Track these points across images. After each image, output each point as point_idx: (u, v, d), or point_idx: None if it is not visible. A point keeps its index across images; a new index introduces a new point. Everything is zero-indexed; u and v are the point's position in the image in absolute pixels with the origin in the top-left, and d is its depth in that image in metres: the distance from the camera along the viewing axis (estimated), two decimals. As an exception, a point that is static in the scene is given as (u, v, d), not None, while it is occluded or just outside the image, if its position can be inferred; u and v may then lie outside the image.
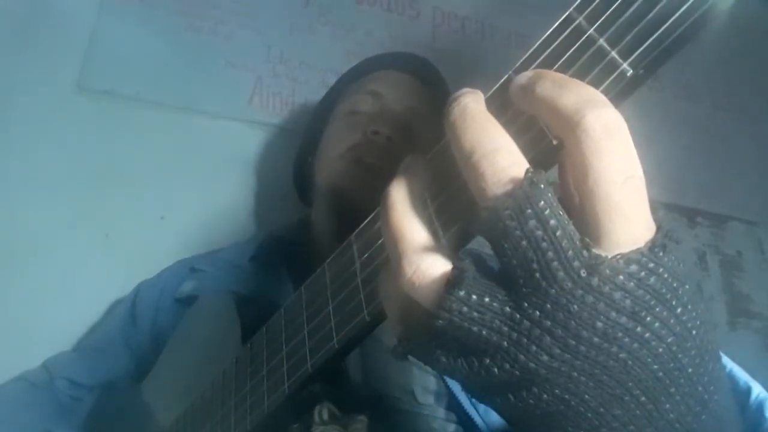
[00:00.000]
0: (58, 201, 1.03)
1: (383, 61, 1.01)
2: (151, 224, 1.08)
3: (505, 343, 0.25)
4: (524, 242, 0.24)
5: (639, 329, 0.24)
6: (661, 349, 0.25)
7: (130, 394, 0.73)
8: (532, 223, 0.24)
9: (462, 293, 0.26)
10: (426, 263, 0.27)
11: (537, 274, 0.24)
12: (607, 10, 0.27)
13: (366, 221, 0.37)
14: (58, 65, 1.08)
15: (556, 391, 0.25)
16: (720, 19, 0.27)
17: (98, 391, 0.82)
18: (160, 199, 1.10)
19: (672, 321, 0.25)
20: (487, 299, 0.25)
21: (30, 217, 1.01)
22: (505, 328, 0.25)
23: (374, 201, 0.37)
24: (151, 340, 0.85)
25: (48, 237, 1.01)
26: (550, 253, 0.24)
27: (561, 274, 0.24)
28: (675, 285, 0.25)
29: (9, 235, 1.00)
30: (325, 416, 0.55)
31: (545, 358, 0.25)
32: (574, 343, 0.24)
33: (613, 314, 0.24)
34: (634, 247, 0.24)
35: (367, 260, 0.37)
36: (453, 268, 0.27)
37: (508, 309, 0.25)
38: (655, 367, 0.25)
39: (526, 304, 0.25)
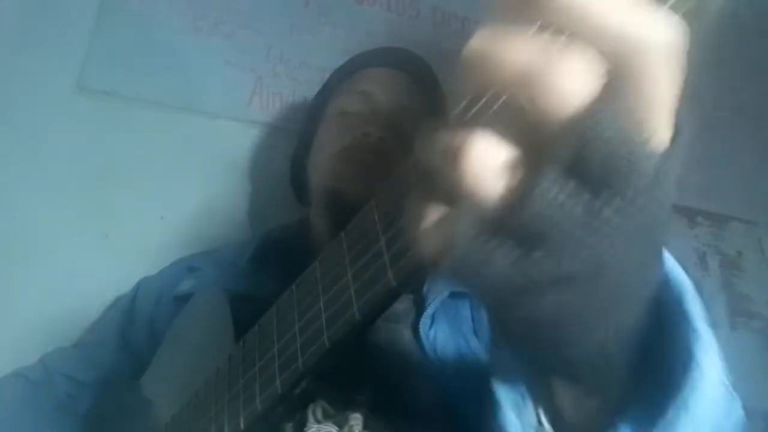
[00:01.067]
0: (58, 201, 1.04)
1: (372, 58, 1.00)
2: (151, 224, 1.08)
3: (579, 231, 0.25)
4: (607, 150, 0.24)
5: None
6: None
7: (129, 390, 0.73)
8: (617, 128, 0.24)
9: (552, 179, 0.24)
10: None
11: (616, 175, 0.24)
12: None
13: (356, 218, 0.37)
14: (58, 65, 1.08)
15: (607, 286, 0.26)
16: (714, 13, 0.27)
17: (96, 387, 0.82)
18: (160, 199, 1.10)
19: None
20: (570, 184, 0.25)
21: (30, 216, 1.02)
22: (583, 216, 0.25)
23: (369, 200, 0.37)
24: (149, 337, 0.85)
25: (48, 237, 1.02)
26: (625, 162, 0.24)
27: (634, 174, 0.24)
28: None
29: (9, 235, 1.00)
30: (319, 415, 0.55)
31: (615, 250, 0.25)
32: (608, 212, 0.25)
33: (666, 207, 0.26)
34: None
35: (356, 256, 0.37)
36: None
37: (587, 196, 0.25)
38: None
39: (601, 200, 0.25)
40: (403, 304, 0.72)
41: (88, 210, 1.05)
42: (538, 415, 0.40)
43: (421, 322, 0.70)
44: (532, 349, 0.33)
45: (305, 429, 0.55)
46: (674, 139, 0.26)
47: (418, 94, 0.95)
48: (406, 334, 0.71)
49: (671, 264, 0.36)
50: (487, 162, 0.25)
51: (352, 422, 0.56)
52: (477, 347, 0.71)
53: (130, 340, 0.88)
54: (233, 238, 1.04)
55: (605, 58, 0.24)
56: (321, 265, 0.40)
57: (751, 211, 1.52)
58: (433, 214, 0.27)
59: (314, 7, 1.28)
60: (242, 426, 0.45)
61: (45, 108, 1.06)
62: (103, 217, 1.06)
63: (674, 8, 0.26)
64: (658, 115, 0.25)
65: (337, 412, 0.57)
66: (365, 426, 0.56)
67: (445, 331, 0.71)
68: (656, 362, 0.34)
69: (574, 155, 0.24)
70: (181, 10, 1.17)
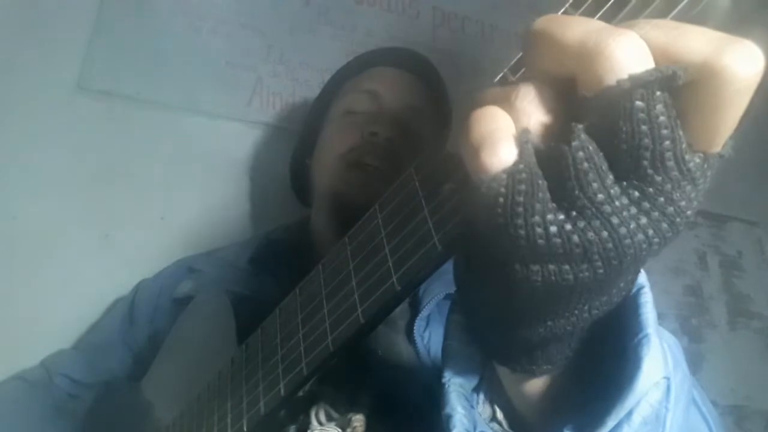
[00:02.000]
0: (58, 201, 1.04)
1: (378, 58, 1.00)
2: (151, 224, 1.08)
3: (609, 208, 0.25)
4: (645, 126, 0.24)
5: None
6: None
7: (130, 392, 0.73)
8: (660, 108, 0.24)
9: (584, 135, 0.25)
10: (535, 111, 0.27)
11: (645, 162, 0.25)
12: None
13: (360, 222, 0.37)
14: (58, 65, 1.08)
15: (616, 269, 0.26)
16: (719, 14, 0.27)
17: (97, 389, 0.82)
18: (160, 199, 1.10)
19: None
20: (599, 152, 0.25)
21: (30, 216, 1.01)
22: (613, 192, 0.25)
23: (376, 202, 0.37)
24: (149, 339, 0.85)
25: (48, 237, 1.01)
26: (668, 143, 0.24)
27: (671, 163, 0.24)
28: None
29: (9, 235, 1.00)
30: (322, 417, 0.55)
31: (640, 237, 0.25)
32: (666, 227, 0.25)
33: (695, 203, 0.26)
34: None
35: (360, 261, 0.37)
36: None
37: (610, 173, 0.25)
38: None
39: (625, 183, 0.25)
40: (399, 307, 0.72)
41: (88, 210, 1.05)
42: (493, 409, 0.42)
43: (415, 324, 0.71)
44: (498, 318, 0.33)
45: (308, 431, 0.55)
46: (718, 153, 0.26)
47: (424, 94, 0.95)
48: (401, 336, 0.71)
49: None
50: (531, 112, 0.27)
51: (354, 424, 0.56)
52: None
53: (131, 341, 0.88)
54: (233, 238, 1.04)
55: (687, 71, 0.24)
56: (324, 270, 0.40)
57: (751, 211, 1.52)
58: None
59: (314, 7, 1.28)
60: (245, 429, 0.45)
61: (45, 108, 1.06)
62: (103, 217, 1.06)
63: (685, 9, 0.26)
64: (714, 134, 0.25)
65: (340, 415, 0.57)
66: (367, 428, 0.56)
67: (440, 333, 0.71)
68: (603, 359, 0.34)
69: (607, 122, 0.24)
70: (181, 10, 1.17)
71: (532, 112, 0.27)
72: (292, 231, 0.94)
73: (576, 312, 0.30)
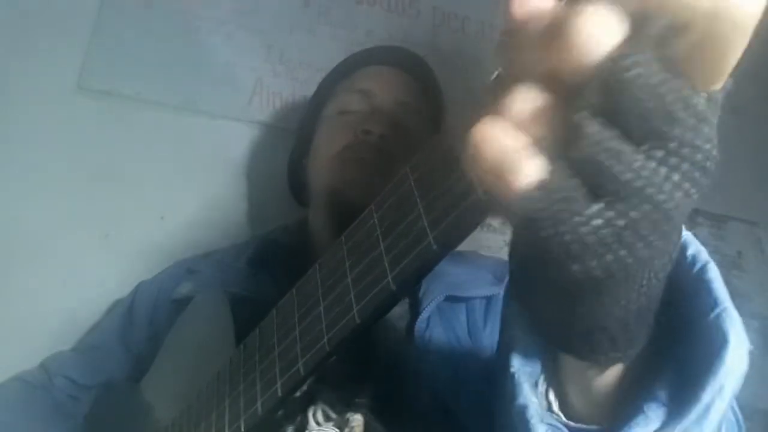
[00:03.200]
0: (58, 201, 1.04)
1: (371, 57, 1.00)
2: (151, 224, 1.08)
3: (640, 182, 0.24)
4: (645, 91, 0.24)
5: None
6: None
7: (129, 393, 0.73)
8: (654, 68, 0.24)
9: (597, 121, 0.24)
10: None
11: (658, 122, 0.24)
12: None
13: (355, 223, 0.37)
14: (58, 65, 1.08)
15: (671, 235, 0.26)
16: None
17: (96, 390, 0.82)
18: (159, 199, 1.10)
19: None
20: (616, 131, 0.24)
21: (30, 216, 1.02)
22: (638, 164, 0.24)
23: (372, 200, 0.37)
24: (149, 340, 0.85)
25: (48, 237, 1.02)
26: (672, 96, 0.24)
27: (683, 114, 0.24)
28: None
29: (9, 235, 1.00)
30: (320, 417, 0.55)
31: (679, 194, 0.25)
32: (699, 175, 0.25)
33: (715, 141, 0.25)
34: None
35: (356, 261, 0.37)
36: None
37: (635, 146, 0.24)
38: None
39: (647, 146, 0.24)
40: (398, 307, 0.72)
41: (88, 210, 1.05)
42: (548, 401, 0.40)
43: (416, 325, 0.71)
44: (553, 310, 0.32)
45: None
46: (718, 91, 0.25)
47: (417, 91, 0.96)
48: (402, 337, 0.71)
49: (688, 236, 0.36)
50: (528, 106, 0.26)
51: (352, 424, 0.56)
52: (471, 351, 0.71)
53: (130, 342, 0.88)
54: (233, 238, 1.04)
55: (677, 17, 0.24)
56: (321, 269, 0.41)
57: (751, 211, 1.52)
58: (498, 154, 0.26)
59: (314, 7, 1.28)
60: (243, 429, 0.45)
61: (45, 108, 1.06)
62: (103, 217, 1.06)
63: None
64: (715, 73, 0.25)
65: (337, 415, 0.57)
66: (365, 428, 0.56)
67: (440, 334, 0.71)
68: (677, 340, 0.34)
69: (605, 101, 0.24)
70: (181, 10, 1.17)
71: (534, 117, 0.26)
72: (290, 231, 0.94)
73: (645, 282, 0.29)
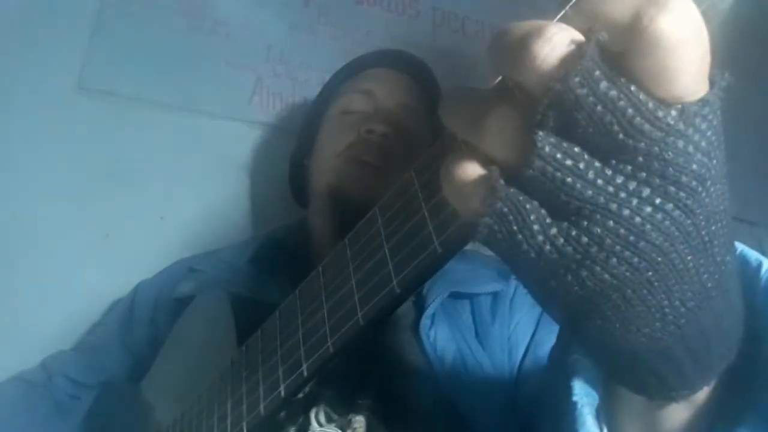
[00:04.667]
0: (58, 201, 1.04)
1: (374, 59, 1.02)
2: (151, 224, 1.08)
3: (603, 198, 0.24)
4: (599, 107, 0.23)
5: (713, 168, 0.25)
6: (713, 191, 0.25)
7: (130, 393, 0.73)
8: (604, 84, 0.23)
9: (553, 139, 0.24)
10: (505, 117, 0.26)
11: (621, 135, 0.23)
12: None
13: (360, 223, 0.37)
14: (58, 65, 1.08)
15: (649, 250, 0.24)
16: (720, 16, 0.27)
17: (97, 390, 0.82)
18: (160, 199, 1.10)
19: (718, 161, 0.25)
20: (576, 149, 0.24)
21: (30, 216, 1.02)
22: (600, 181, 0.24)
23: (374, 199, 0.37)
24: (149, 340, 0.85)
25: (48, 237, 1.01)
26: (630, 110, 0.23)
27: (647, 126, 0.23)
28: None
29: (9, 235, 1.00)
30: (322, 418, 0.55)
31: (648, 209, 0.24)
32: (674, 189, 0.24)
33: (699, 156, 0.24)
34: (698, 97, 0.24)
35: (360, 264, 0.37)
36: (536, 115, 0.25)
37: (598, 163, 0.24)
38: (706, 215, 0.25)
39: (614, 161, 0.24)
40: (403, 305, 0.72)
41: (88, 210, 1.05)
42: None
43: (421, 323, 0.71)
44: (590, 341, 0.30)
45: (307, 433, 0.55)
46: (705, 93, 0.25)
47: (419, 94, 0.96)
48: (406, 335, 0.71)
49: (745, 250, 0.34)
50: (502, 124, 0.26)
51: (354, 425, 0.56)
52: (477, 348, 0.71)
53: (130, 342, 0.88)
54: (233, 238, 1.04)
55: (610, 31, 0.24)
56: (324, 272, 0.41)
57: (751, 211, 1.51)
58: (469, 174, 0.27)
59: (314, 7, 1.28)
60: (245, 430, 0.45)
61: (45, 108, 1.06)
62: (103, 217, 1.06)
63: None
64: (674, 86, 0.24)
65: (340, 416, 0.57)
66: (368, 429, 0.56)
67: (445, 332, 0.71)
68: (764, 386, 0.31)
69: (560, 118, 0.24)
70: (181, 10, 1.17)
71: (498, 142, 0.26)
72: (292, 231, 0.95)
73: (667, 311, 0.26)
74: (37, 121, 1.05)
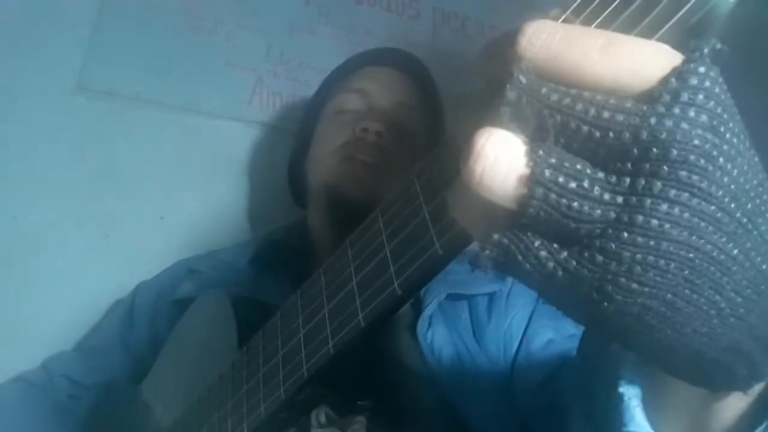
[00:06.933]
0: (58, 201, 1.04)
1: (368, 58, 1.01)
2: (151, 224, 1.08)
3: (613, 212, 0.22)
4: (559, 117, 0.23)
5: (724, 142, 0.23)
6: (731, 167, 0.23)
7: (130, 394, 0.73)
8: (555, 97, 0.23)
9: (553, 160, 0.22)
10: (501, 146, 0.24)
11: (597, 134, 0.23)
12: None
13: (361, 227, 0.37)
14: (58, 65, 1.08)
15: (674, 249, 0.22)
16: (721, 20, 0.27)
17: (97, 391, 0.82)
18: (159, 199, 1.10)
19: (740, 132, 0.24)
20: (579, 165, 0.22)
21: (30, 216, 1.02)
22: (607, 196, 0.22)
23: (369, 197, 0.37)
24: (149, 341, 0.86)
25: (48, 237, 1.02)
26: (593, 110, 0.23)
27: (620, 116, 0.22)
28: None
29: (9, 235, 1.00)
30: (323, 419, 0.55)
31: (664, 207, 0.22)
32: (685, 174, 0.22)
33: (698, 131, 0.22)
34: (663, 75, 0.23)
35: (361, 266, 0.37)
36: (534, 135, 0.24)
37: (602, 174, 0.23)
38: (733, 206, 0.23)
39: (611, 165, 0.23)
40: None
41: (88, 210, 1.05)
42: None
43: (419, 324, 0.71)
44: (651, 355, 0.28)
45: (308, 434, 0.55)
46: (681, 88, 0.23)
47: (415, 92, 0.96)
48: (404, 336, 0.71)
49: None
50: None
51: (355, 426, 0.56)
52: (475, 348, 0.71)
53: (131, 343, 0.88)
54: (233, 239, 1.04)
55: None
56: (326, 274, 0.41)
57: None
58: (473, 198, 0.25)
59: (314, 7, 1.28)
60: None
61: (45, 108, 1.06)
62: (103, 217, 1.06)
63: (683, 19, 0.26)
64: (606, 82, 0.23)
65: (340, 417, 0.57)
66: (368, 429, 0.56)
67: (443, 333, 0.71)
68: None
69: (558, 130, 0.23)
70: (181, 10, 1.17)
71: (493, 185, 0.24)
72: (292, 232, 0.95)
73: (723, 306, 0.24)
74: (37, 121, 1.05)
